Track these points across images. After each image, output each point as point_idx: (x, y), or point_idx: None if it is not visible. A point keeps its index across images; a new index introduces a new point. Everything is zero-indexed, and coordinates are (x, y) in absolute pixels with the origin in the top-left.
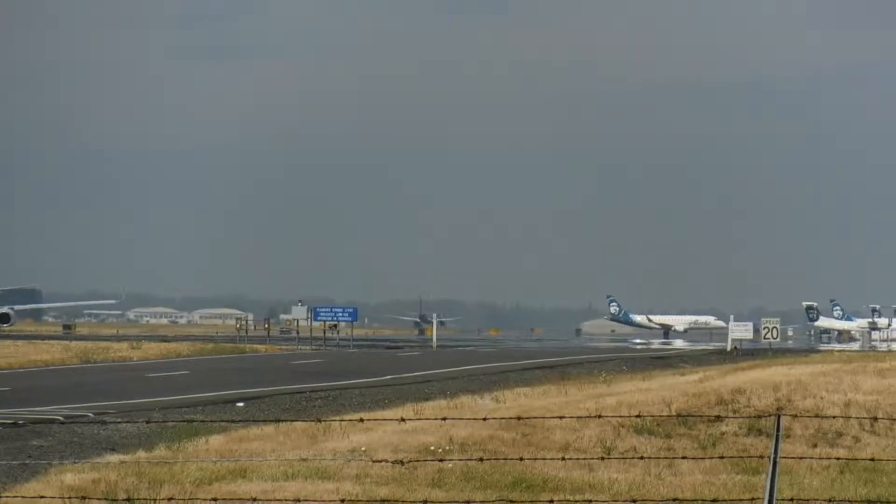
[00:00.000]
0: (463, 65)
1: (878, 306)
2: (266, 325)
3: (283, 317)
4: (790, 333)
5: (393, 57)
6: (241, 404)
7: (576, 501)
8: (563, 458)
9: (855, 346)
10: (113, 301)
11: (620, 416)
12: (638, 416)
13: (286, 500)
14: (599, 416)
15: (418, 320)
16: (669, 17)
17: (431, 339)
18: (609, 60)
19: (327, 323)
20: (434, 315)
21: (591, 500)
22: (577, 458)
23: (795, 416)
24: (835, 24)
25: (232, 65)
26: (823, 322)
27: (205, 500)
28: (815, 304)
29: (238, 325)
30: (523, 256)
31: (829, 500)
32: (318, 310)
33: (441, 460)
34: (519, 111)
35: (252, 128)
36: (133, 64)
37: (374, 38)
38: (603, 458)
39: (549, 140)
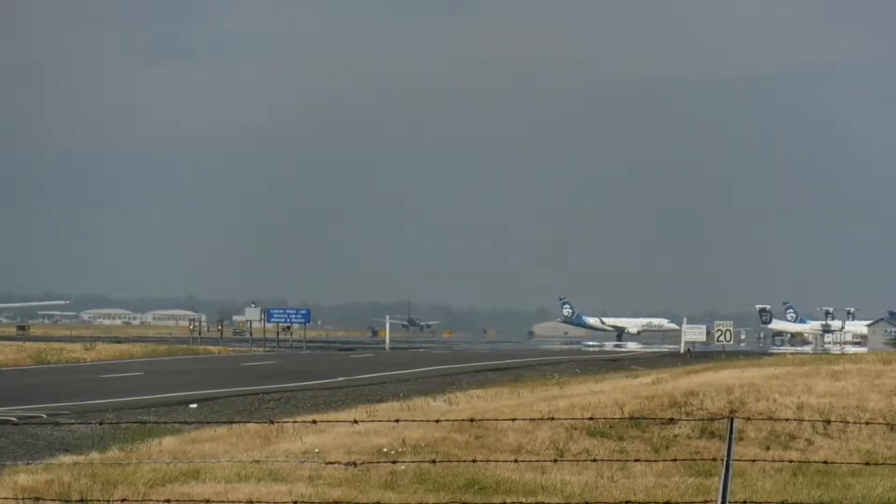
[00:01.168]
0: (431, 65)
1: (831, 309)
2: (219, 327)
3: (236, 318)
4: (742, 336)
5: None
6: (194, 406)
7: (528, 503)
8: (516, 461)
9: (808, 348)
10: (64, 302)
11: (573, 419)
12: (590, 419)
13: (239, 501)
14: (552, 419)
15: (406, 323)
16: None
17: (384, 341)
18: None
19: (280, 324)
20: (387, 317)
21: (543, 503)
22: (530, 461)
23: (748, 418)
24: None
25: (189, 65)
26: (777, 325)
27: (158, 501)
28: (768, 306)
29: (191, 327)
30: (477, 258)
31: (782, 503)
32: (271, 311)
33: (394, 462)
34: (484, 112)
35: (208, 130)
36: (101, 65)
37: (346, 38)
38: (555, 461)
39: (502, 142)
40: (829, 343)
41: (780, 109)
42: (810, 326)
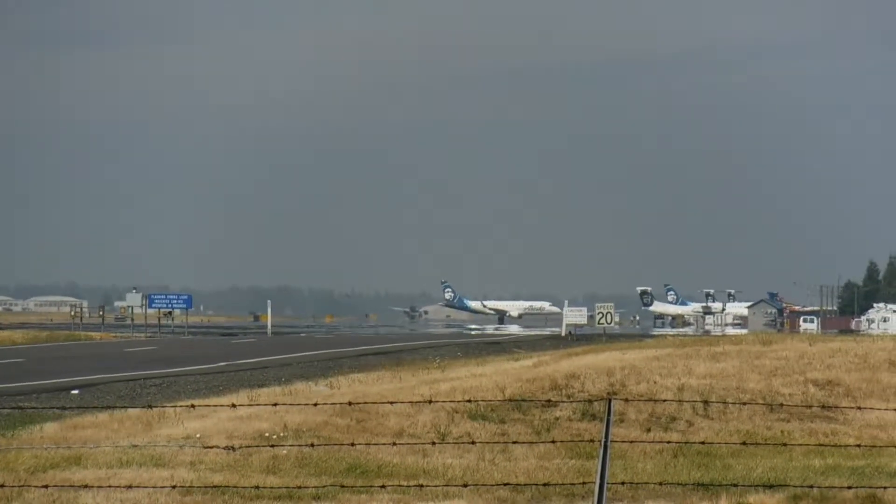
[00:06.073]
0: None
1: (711, 291)
2: (101, 313)
3: (118, 304)
4: (616, 319)
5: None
6: (75, 391)
7: (409, 487)
8: (394, 444)
9: (689, 330)
10: None
11: (454, 402)
12: (469, 402)
13: (120, 486)
14: (431, 402)
15: (408, 310)
16: None
17: (266, 326)
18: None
19: (162, 310)
20: (269, 302)
21: (424, 486)
22: (411, 444)
23: (628, 400)
24: None
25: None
26: (658, 307)
27: (38, 486)
28: (649, 288)
29: (73, 313)
30: (358, 244)
31: (661, 484)
32: (152, 297)
33: (273, 446)
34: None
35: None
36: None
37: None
38: (434, 444)
39: (382, 128)
40: (710, 325)
41: (662, 92)
42: (691, 308)
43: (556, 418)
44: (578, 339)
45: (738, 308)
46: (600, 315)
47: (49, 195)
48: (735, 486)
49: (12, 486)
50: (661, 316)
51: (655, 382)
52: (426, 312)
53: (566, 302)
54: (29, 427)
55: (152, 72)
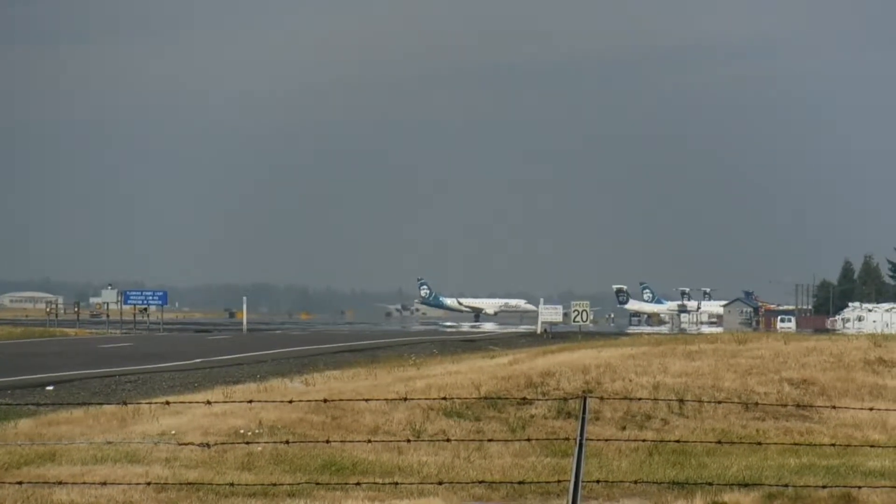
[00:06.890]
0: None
1: (687, 289)
2: (76, 309)
3: (93, 300)
4: (591, 317)
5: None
6: (50, 388)
7: (384, 484)
8: (370, 441)
9: (664, 328)
10: None
11: (429, 399)
12: (444, 399)
13: (94, 483)
14: (406, 399)
15: (399, 308)
16: None
17: (241, 323)
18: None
19: (137, 307)
20: (244, 298)
21: (399, 483)
22: (386, 441)
23: (603, 398)
24: None
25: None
26: (634, 305)
27: (11, 483)
28: (625, 287)
29: (48, 309)
30: (335, 241)
31: (636, 482)
32: (128, 293)
33: (248, 443)
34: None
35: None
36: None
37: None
38: (410, 441)
39: (353, 125)
40: (686, 323)
41: (644, 92)
42: (667, 307)
43: (532, 416)
44: (554, 336)
45: (714, 307)
46: (576, 313)
47: (24, 190)
48: (710, 484)
49: None
50: (636, 314)
51: (631, 380)
52: (418, 310)
53: (542, 300)
54: (3, 423)
55: (150, 71)
